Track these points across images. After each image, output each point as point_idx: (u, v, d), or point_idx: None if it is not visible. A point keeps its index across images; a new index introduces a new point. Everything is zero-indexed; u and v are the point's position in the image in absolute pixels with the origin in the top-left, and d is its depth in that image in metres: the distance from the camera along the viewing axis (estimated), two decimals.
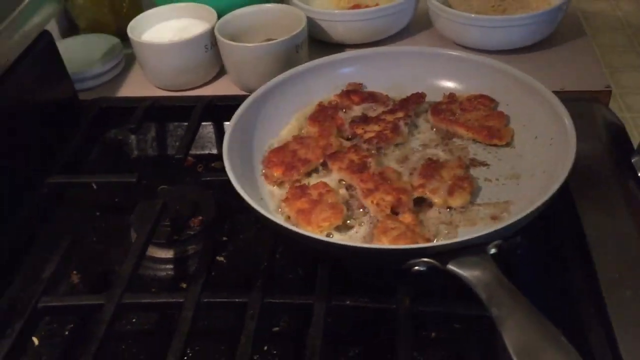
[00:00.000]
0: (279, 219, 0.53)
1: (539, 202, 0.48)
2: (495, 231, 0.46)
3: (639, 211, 0.56)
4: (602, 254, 0.52)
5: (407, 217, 0.54)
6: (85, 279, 0.62)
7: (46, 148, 0.71)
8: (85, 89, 0.83)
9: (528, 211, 0.48)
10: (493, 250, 0.47)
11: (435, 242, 0.48)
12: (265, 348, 0.53)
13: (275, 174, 0.60)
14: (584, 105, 0.68)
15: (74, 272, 0.62)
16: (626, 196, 0.58)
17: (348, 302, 0.51)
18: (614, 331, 0.46)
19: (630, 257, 0.52)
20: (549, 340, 0.40)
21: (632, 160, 0.60)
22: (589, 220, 0.55)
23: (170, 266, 0.63)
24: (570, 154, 0.52)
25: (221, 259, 0.62)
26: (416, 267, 0.47)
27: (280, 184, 0.60)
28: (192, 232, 0.63)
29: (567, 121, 0.55)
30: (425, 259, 0.46)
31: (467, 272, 0.45)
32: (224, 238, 0.64)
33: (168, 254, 0.63)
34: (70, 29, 0.97)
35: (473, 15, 0.78)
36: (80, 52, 0.85)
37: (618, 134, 0.66)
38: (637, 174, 0.60)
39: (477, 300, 0.46)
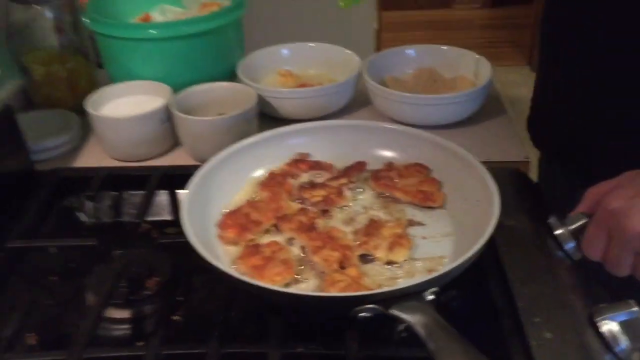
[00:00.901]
0: (236, 274, 0.57)
1: (467, 255, 0.55)
2: (429, 280, 0.52)
3: (555, 263, 0.64)
4: (525, 302, 0.58)
5: (352, 271, 0.59)
6: (42, 341, 0.63)
7: (4, 216, 0.73)
8: (43, 160, 0.86)
9: (458, 262, 0.54)
10: (430, 297, 0.53)
11: (378, 290, 0.53)
12: None
13: (230, 235, 0.65)
14: (507, 173, 0.76)
15: (33, 334, 0.63)
16: (544, 251, 0.65)
17: (300, 350, 0.54)
18: None
19: (549, 303, 0.58)
20: None
21: (548, 221, 0.68)
22: (513, 272, 0.62)
23: (128, 326, 0.64)
24: (495, 212, 0.60)
25: (177, 317, 0.65)
26: (362, 314, 0.52)
27: (235, 243, 0.64)
28: (148, 292, 0.66)
29: (491, 184, 0.63)
30: (370, 305, 0.51)
31: (407, 315, 0.50)
32: (180, 298, 0.67)
33: (125, 313, 0.65)
34: (26, 104, 1.00)
35: (406, 94, 0.87)
36: (37, 126, 0.88)
37: (536, 197, 0.74)
38: (552, 232, 0.67)
39: (418, 344, 0.52)
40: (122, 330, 0.64)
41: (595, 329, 0.56)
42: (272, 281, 0.58)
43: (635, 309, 0.56)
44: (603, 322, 0.56)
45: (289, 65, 1.01)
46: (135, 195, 0.81)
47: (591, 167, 0.76)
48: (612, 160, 0.69)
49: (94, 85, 0.97)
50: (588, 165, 0.80)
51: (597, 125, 0.78)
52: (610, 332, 0.56)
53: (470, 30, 3.58)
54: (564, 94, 0.81)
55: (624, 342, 0.55)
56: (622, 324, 0.56)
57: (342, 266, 0.60)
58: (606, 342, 0.55)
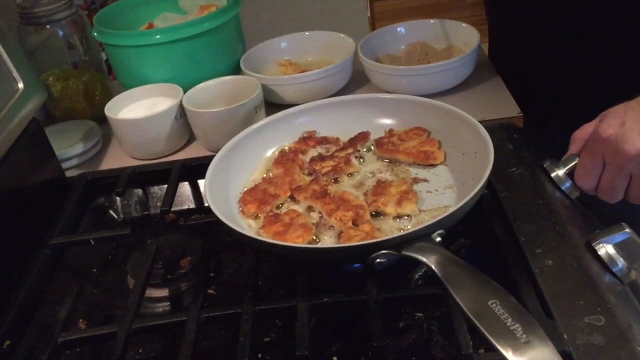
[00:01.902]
0: (263, 238, 0.62)
1: (467, 198, 0.60)
2: (434, 223, 0.57)
3: (553, 202, 0.69)
4: (526, 237, 0.63)
5: (366, 227, 0.64)
6: (92, 326, 0.69)
7: (43, 220, 0.79)
8: (71, 167, 0.92)
9: (459, 205, 0.59)
10: (439, 239, 0.58)
11: (390, 236, 0.59)
12: (260, 356, 0.62)
13: (251, 210, 0.70)
14: (501, 126, 0.82)
15: (81, 320, 0.70)
16: (542, 193, 0.70)
17: (326, 299, 0.60)
18: (542, 290, 0.57)
19: (549, 236, 0.63)
20: (502, 303, 0.49)
21: (544, 165, 0.73)
22: (513, 213, 0.67)
23: (167, 303, 0.71)
24: (490, 158, 0.65)
25: (211, 291, 0.71)
26: (378, 260, 0.57)
27: (256, 217, 0.70)
28: (183, 271, 0.72)
29: (484, 134, 0.68)
30: (384, 251, 0.57)
31: (419, 254, 0.55)
32: (212, 274, 0.73)
33: (164, 292, 0.71)
34: (47, 118, 1.07)
35: (400, 67, 0.93)
36: (62, 137, 0.95)
37: (531, 144, 0.79)
38: (549, 175, 0.72)
39: (432, 285, 0.57)
40: (164, 307, 0.70)
41: (593, 253, 0.61)
42: (294, 243, 0.63)
43: (628, 230, 0.61)
44: (600, 245, 0.61)
45: (289, 55, 1.07)
46: (160, 189, 0.87)
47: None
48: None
49: (109, 94, 1.04)
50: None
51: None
52: (607, 254, 0.61)
53: (462, 10, 3.60)
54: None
55: (620, 262, 0.60)
56: (617, 246, 0.61)
57: (356, 224, 0.65)
58: (604, 264, 0.60)
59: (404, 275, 0.67)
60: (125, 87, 1.00)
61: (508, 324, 0.44)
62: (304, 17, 1.91)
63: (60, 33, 1.00)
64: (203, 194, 0.83)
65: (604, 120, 0.64)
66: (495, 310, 0.46)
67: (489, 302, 0.46)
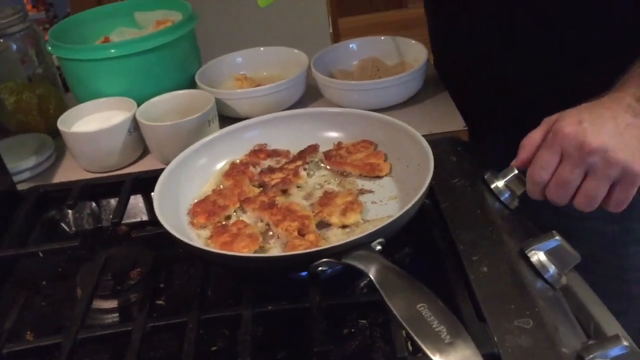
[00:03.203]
0: (209, 248, 0.64)
1: (405, 209, 0.62)
2: (372, 232, 0.59)
3: (491, 212, 0.71)
4: (464, 245, 0.66)
5: (311, 237, 0.66)
6: (38, 337, 0.69)
7: None
8: (23, 180, 0.92)
9: (396, 216, 0.62)
10: (379, 247, 0.60)
11: (330, 245, 0.61)
12: None
13: (200, 221, 0.72)
14: (446, 139, 0.85)
15: (29, 332, 0.70)
16: (481, 203, 0.73)
17: (270, 307, 0.61)
18: (476, 295, 0.59)
19: (485, 244, 0.66)
20: (430, 306, 0.52)
21: (485, 177, 0.76)
22: (453, 222, 0.70)
23: (116, 314, 0.71)
24: (430, 169, 0.67)
25: (160, 302, 0.72)
26: (320, 268, 0.59)
27: (204, 227, 0.71)
28: (132, 282, 0.73)
29: (426, 147, 0.71)
30: (325, 259, 0.59)
31: (358, 263, 0.57)
32: (162, 285, 0.74)
33: (113, 303, 0.72)
34: (1, 132, 1.06)
35: (351, 82, 0.96)
36: (15, 150, 0.95)
37: (475, 157, 0.82)
38: (489, 186, 0.75)
39: (374, 292, 0.59)
40: (112, 318, 0.71)
41: (526, 260, 0.64)
42: (240, 252, 0.65)
43: (558, 237, 0.64)
44: (532, 252, 0.64)
45: (244, 70, 1.09)
46: (112, 202, 0.88)
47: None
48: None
49: (63, 108, 1.03)
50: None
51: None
52: (539, 260, 0.64)
53: (426, 27, 3.70)
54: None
55: (551, 269, 0.63)
56: (548, 253, 0.64)
57: (302, 234, 0.67)
58: (536, 270, 0.63)
59: (350, 283, 0.69)
60: (80, 101, 1.01)
61: (434, 326, 0.46)
62: (266, 32, 1.93)
63: (14, 47, 1.00)
64: None
65: (560, 120, 0.66)
66: (423, 314, 0.48)
67: (418, 306, 0.49)
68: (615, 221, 0.89)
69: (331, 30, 2.39)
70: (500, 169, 0.76)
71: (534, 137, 0.68)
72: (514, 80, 0.90)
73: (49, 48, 1.00)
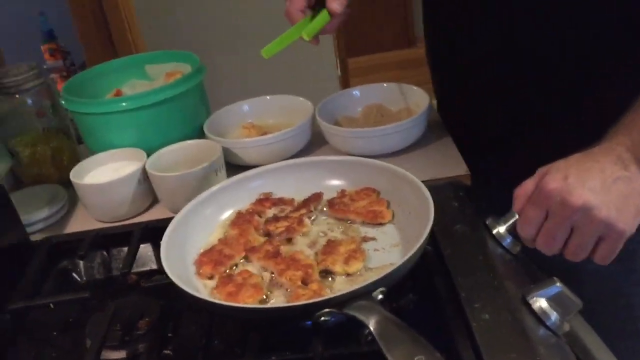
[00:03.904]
0: (213, 299, 0.65)
1: (405, 257, 0.63)
2: (374, 282, 0.60)
3: (493, 258, 0.72)
4: (466, 291, 0.66)
5: (314, 286, 0.67)
6: None
7: (5, 284, 0.81)
8: (36, 231, 0.95)
9: (397, 265, 0.63)
10: (380, 296, 0.61)
11: (331, 295, 0.62)
12: None
13: (207, 271, 0.73)
14: (447, 185, 0.86)
15: None
16: (483, 248, 0.74)
17: (274, 358, 0.62)
18: (478, 343, 0.60)
19: (487, 291, 0.66)
20: (424, 352, 0.53)
21: (486, 222, 0.77)
22: (455, 268, 0.70)
23: None
24: (430, 218, 0.68)
25: (168, 351, 0.73)
26: (322, 318, 0.60)
27: (211, 277, 0.73)
28: (140, 332, 0.74)
29: (427, 194, 0.72)
30: (327, 310, 0.60)
31: (359, 313, 0.58)
32: (169, 334, 0.75)
33: (121, 354, 0.73)
34: (15, 183, 1.10)
35: (355, 130, 0.98)
36: (28, 201, 0.97)
37: (476, 202, 0.83)
38: (491, 231, 0.76)
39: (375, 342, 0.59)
40: None
41: (528, 306, 0.65)
42: (244, 303, 0.66)
43: (559, 284, 0.65)
44: (533, 299, 0.64)
45: (251, 118, 1.12)
46: (122, 251, 0.89)
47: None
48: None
49: (76, 159, 1.07)
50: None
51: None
52: (540, 308, 0.64)
53: None
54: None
55: (553, 315, 0.64)
56: (550, 299, 0.64)
57: (305, 283, 0.68)
58: (538, 317, 0.64)
59: (355, 330, 0.70)
60: (93, 152, 1.04)
61: None
62: (274, 75, 1.97)
63: (29, 102, 1.04)
64: None
65: (547, 175, 0.68)
66: None
67: (416, 358, 0.49)
68: (621, 261, 0.89)
69: (339, 72, 2.43)
70: (502, 214, 0.77)
71: (527, 187, 0.69)
72: (521, 129, 0.91)
73: (63, 102, 1.03)
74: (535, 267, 0.77)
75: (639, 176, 0.65)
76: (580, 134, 0.70)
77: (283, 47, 0.83)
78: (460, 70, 0.96)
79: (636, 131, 0.66)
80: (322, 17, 0.83)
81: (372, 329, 0.57)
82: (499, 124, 0.91)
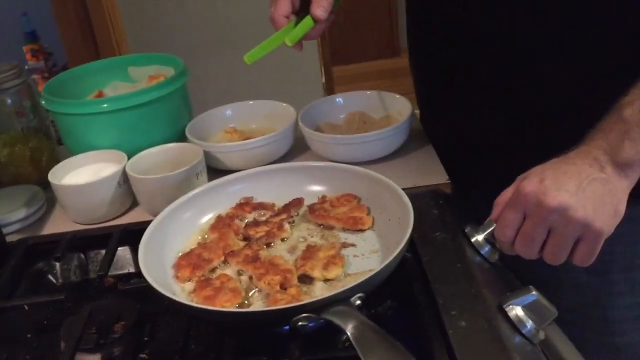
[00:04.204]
0: (190, 302, 0.65)
1: (383, 264, 0.64)
2: (351, 288, 0.61)
3: (471, 266, 0.73)
4: (443, 299, 0.67)
5: (293, 291, 0.67)
6: None
7: None
8: (13, 232, 0.94)
9: (374, 272, 0.63)
10: (358, 302, 0.61)
11: (308, 300, 0.62)
12: None
13: (185, 274, 0.73)
14: (428, 193, 0.86)
15: None
16: (461, 256, 0.74)
17: None
18: (454, 350, 0.60)
19: (464, 298, 0.67)
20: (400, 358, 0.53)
21: (465, 230, 0.78)
22: (433, 275, 0.71)
23: None
24: (410, 225, 0.69)
25: (144, 355, 0.72)
26: (300, 322, 0.60)
27: (189, 281, 0.72)
28: (116, 336, 0.73)
29: (406, 202, 0.73)
30: (305, 314, 0.60)
31: (337, 319, 0.58)
32: (146, 338, 0.75)
33: (96, 357, 0.72)
34: None
35: (337, 136, 0.98)
36: (5, 202, 0.96)
37: (456, 210, 0.84)
38: (470, 240, 0.77)
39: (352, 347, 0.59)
40: None
41: (505, 315, 0.65)
42: (222, 307, 0.65)
43: (535, 292, 0.65)
44: (510, 307, 0.65)
45: (234, 123, 1.12)
46: (100, 254, 0.88)
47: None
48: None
49: (55, 160, 1.05)
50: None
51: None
52: (517, 316, 0.65)
53: None
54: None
55: (529, 324, 0.64)
56: (526, 308, 0.65)
57: (284, 287, 0.68)
58: (514, 326, 0.64)
59: (333, 336, 0.70)
60: (72, 153, 1.03)
61: None
62: (258, 81, 1.97)
63: (9, 101, 1.03)
64: None
65: (524, 179, 0.69)
66: None
67: None
68: (599, 273, 0.90)
69: (323, 80, 2.44)
70: (481, 223, 0.77)
71: (506, 195, 0.71)
72: (501, 141, 0.91)
73: (43, 102, 1.02)
74: (513, 275, 0.78)
75: (615, 178, 0.66)
76: (581, 134, 0.71)
77: (266, 52, 0.83)
78: (453, 72, 0.95)
79: (613, 134, 0.67)
80: (306, 23, 0.84)
81: (349, 334, 0.57)
82: (496, 125, 0.91)
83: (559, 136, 0.71)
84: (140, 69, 1.15)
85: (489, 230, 0.75)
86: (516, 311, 0.65)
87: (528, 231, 0.68)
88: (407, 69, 1.08)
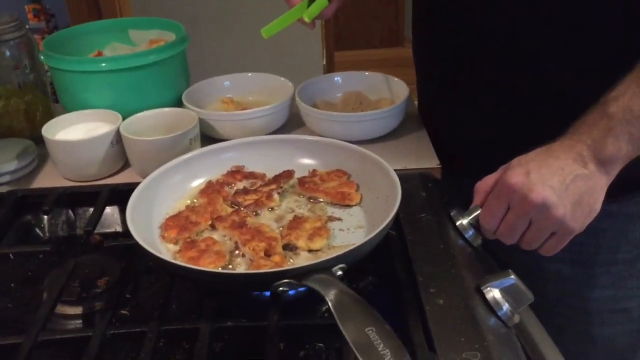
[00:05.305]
0: (174, 260, 0.65)
1: (367, 238, 0.65)
2: (334, 257, 0.61)
3: (453, 248, 0.74)
4: (423, 277, 0.68)
5: (276, 258, 0.68)
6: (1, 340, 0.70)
7: None
8: (3, 183, 0.94)
9: (358, 244, 0.64)
10: (339, 272, 0.62)
11: (292, 266, 0.62)
12: None
13: (171, 235, 0.73)
14: (418, 175, 0.87)
15: None
16: (445, 239, 0.75)
17: (229, 323, 0.63)
18: (429, 326, 0.61)
19: (444, 278, 0.68)
20: (377, 330, 0.54)
21: (450, 214, 0.79)
22: (415, 255, 0.72)
23: (80, 321, 0.72)
24: (397, 202, 0.70)
25: (125, 312, 0.73)
26: (281, 288, 0.61)
27: (175, 242, 0.73)
28: (98, 290, 0.74)
29: (396, 180, 0.73)
30: (286, 280, 0.60)
31: (317, 286, 0.59)
32: (127, 296, 0.75)
33: (77, 310, 0.73)
34: None
35: (332, 113, 0.99)
36: None
37: (444, 194, 0.85)
38: (455, 223, 0.78)
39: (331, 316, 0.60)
40: (75, 324, 0.72)
41: (482, 296, 0.66)
42: (205, 267, 0.66)
43: (513, 277, 0.66)
44: (487, 289, 0.66)
45: (231, 93, 1.12)
46: (88, 211, 0.89)
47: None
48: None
49: (50, 116, 1.05)
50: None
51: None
52: (494, 298, 0.66)
53: None
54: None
55: (505, 306, 0.65)
56: (503, 291, 0.66)
57: (268, 254, 0.69)
58: (490, 307, 0.65)
59: (313, 307, 0.71)
60: (67, 110, 1.03)
61: (380, 349, 0.48)
62: (259, 60, 1.97)
63: (8, 53, 1.02)
64: None
65: (509, 169, 0.70)
66: (371, 337, 0.50)
67: (367, 329, 0.51)
68: (582, 264, 0.92)
69: (324, 62, 2.44)
70: (467, 208, 0.78)
71: (487, 182, 0.72)
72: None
73: (42, 57, 1.02)
74: (494, 261, 0.79)
75: (597, 174, 0.68)
76: None
77: (283, 27, 0.86)
78: (457, 68, 0.95)
79: (597, 130, 0.68)
80: (321, 1, 0.86)
81: (328, 300, 0.57)
82: (498, 121, 0.91)
83: (560, 132, 0.72)
84: (141, 32, 1.15)
85: (473, 215, 0.76)
86: (493, 293, 0.66)
87: (511, 222, 0.71)
88: (410, 59, 1.08)
